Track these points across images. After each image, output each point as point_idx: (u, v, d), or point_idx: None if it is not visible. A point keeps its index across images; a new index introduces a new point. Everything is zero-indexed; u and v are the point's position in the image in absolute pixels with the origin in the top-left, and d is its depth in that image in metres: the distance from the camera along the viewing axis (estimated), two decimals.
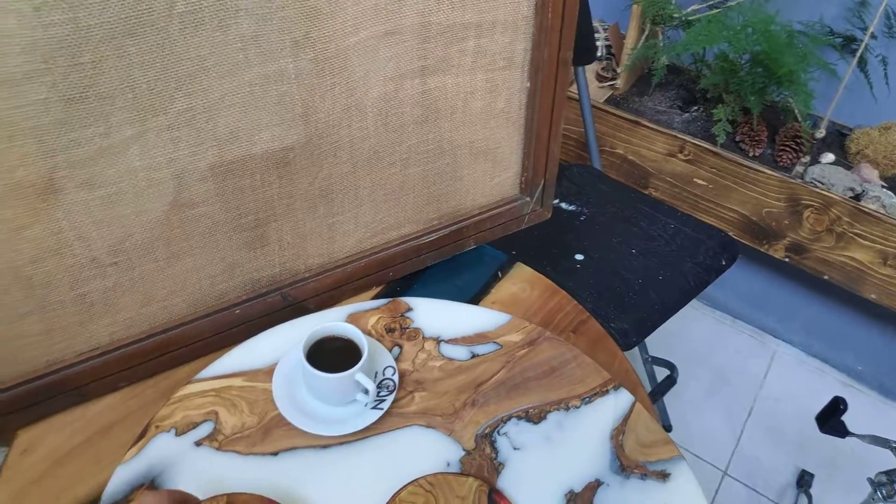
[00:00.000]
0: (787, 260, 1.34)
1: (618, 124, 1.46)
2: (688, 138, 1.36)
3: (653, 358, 1.37)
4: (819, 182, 1.22)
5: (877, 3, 1.19)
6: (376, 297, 0.72)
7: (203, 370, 0.61)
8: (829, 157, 1.27)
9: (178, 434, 0.56)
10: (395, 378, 0.60)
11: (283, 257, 0.67)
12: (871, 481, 0.92)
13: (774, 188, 1.27)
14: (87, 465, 0.56)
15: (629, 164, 1.48)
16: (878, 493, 0.89)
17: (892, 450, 0.88)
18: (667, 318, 0.96)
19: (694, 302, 1.67)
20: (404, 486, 0.52)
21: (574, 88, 1.34)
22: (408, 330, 0.66)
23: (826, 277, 1.29)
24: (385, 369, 0.61)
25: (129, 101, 0.51)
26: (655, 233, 1.09)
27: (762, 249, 1.36)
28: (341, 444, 0.56)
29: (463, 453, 0.56)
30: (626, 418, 0.59)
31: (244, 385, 0.60)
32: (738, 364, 1.55)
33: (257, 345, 0.64)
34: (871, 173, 1.21)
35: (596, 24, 1.63)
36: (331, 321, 0.60)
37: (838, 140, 1.33)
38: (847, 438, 0.89)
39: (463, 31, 0.64)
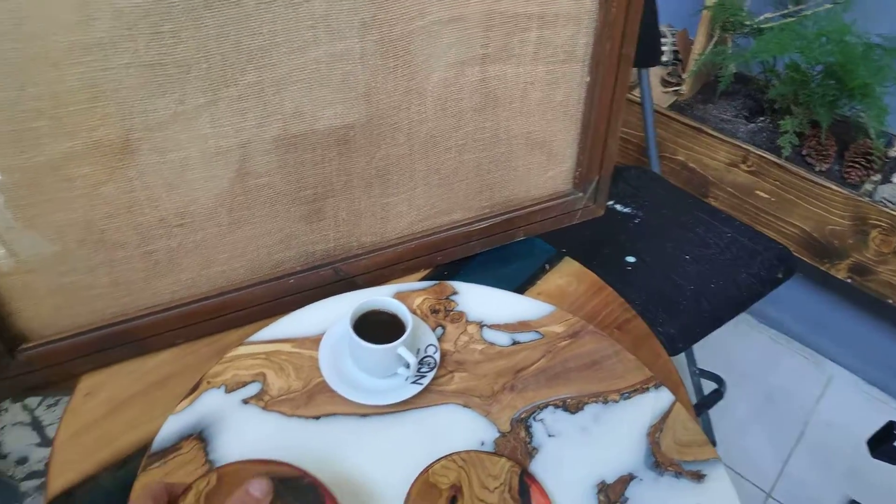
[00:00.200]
0: (849, 281, 1.29)
1: (680, 130, 1.43)
2: (752, 148, 1.33)
3: (700, 371, 1.34)
4: (890, 202, 1.17)
5: None
6: (424, 279, 0.74)
7: (255, 334, 0.64)
8: None
9: (227, 391, 0.59)
10: (437, 356, 0.62)
11: (338, 233, 0.69)
12: None
13: (840, 205, 1.23)
14: (142, 412, 0.60)
15: (689, 172, 1.45)
16: None
17: None
18: (716, 328, 0.94)
19: (748, 319, 1.63)
20: (438, 460, 0.53)
21: (637, 91, 1.32)
22: (452, 312, 0.67)
23: (890, 301, 1.24)
24: (427, 347, 0.62)
25: (204, 71, 0.54)
26: (711, 240, 1.07)
27: (823, 268, 1.31)
28: (380, 414, 0.58)
29: (498, 435, 0.57)
30: (664, 416, 0.58)
31: (292, 351, 0.63)
32: (790, 385, 1.50)
33: (307, 314, 0.66)
34: None
35: (664, 28, 1.60)
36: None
37: None
38: None
39: (526, 22, 0.65)
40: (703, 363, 1.38)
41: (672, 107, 1.47)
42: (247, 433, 0.56)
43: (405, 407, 0.58)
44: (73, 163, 0.54)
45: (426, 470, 0.52)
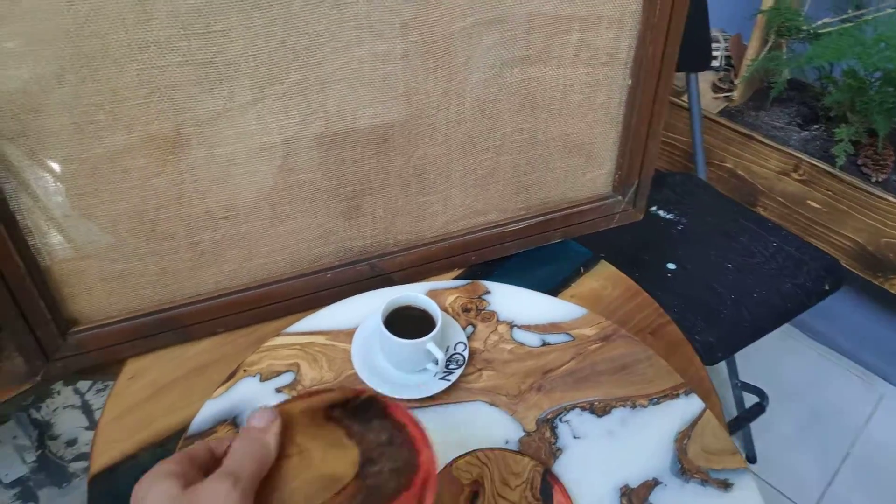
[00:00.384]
0: None
1: (730, 137, 1.41)
2: (804, 157, 1.29)
3: (743, 383, 1.31)
4: None
5: None
6: (457, 278, 0.75)
7: (291, 326, 0.66)
8: None
9: (262, 380, 0.61)
10: (465, 354, 0.62)
11: (375, 230, 0.71)
12: None
13: None
14: (182, 397, 0.62)
15: (738, 180, 1.42)
16: None
17: None
18: (757, 338, 0.92)
19: (796, 333, 1.58)
20: (462, 455, 0.54)
21: (686, 97, 1.30)
22: (483, 311, 0.68)
23: None
24: (456, 345, 0.63)
25: (251, 69, 0.56)
26: (755, 249, 1.05)
27: (876, 282, 1.26)
28: (408, 408, 0.59)
29: (523, 434, 0.57)
30: (693, 423, 0.57)
31: (326, 343, 0.64)
32: (838, 403, 1.45)
33: (342, 308, 0.68)
34: None
35: (717, 33, 1.57)
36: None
37: None
38: None
39: (567, 24, 0.65)
40: (748, 377, 1.34)
41: (722, 113, 1.44)
42: None
43: (432, 402, 0.59)
44: (129, 155, 0.57)
45: (450, 464, 0.53)
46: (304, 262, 0.70)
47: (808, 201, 1.32)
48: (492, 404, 0.59)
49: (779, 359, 1.53)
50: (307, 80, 0.59)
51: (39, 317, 0.60)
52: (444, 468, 0.53)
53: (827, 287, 0.99)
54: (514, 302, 0.69)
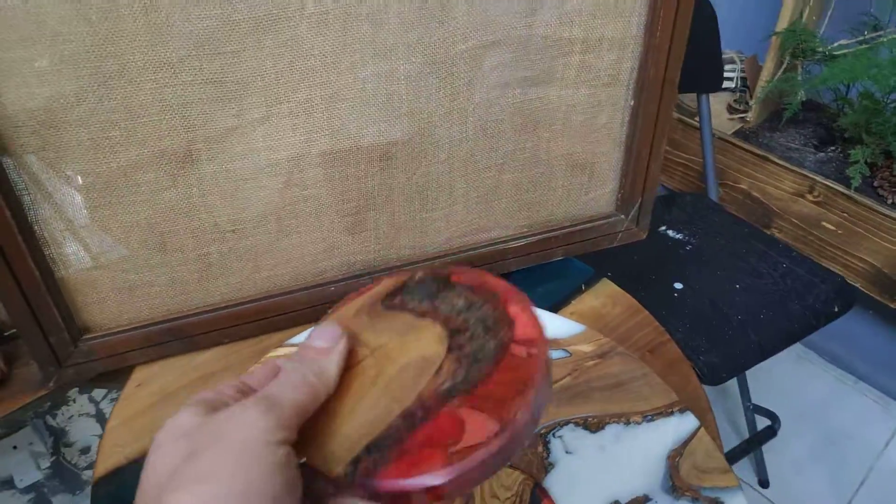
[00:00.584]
0: None
1: (744, 158, 1.41)
2: (818, 178, 1.28)
3: (755, 406, 1.30)
4: None
5: None
6: None
7: (293, 337, 0.68)
8: None
9: None
10: None
11: (378, 245, 0.72)
12: None
13: None
14: None
15: (752, 201, 1.42)
16: None
17: None
18: (762, 360, 0.91)
19: (812, 356, 1.56)
20: None
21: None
22: None
23: None
24: None
25: (260, 88, 0.59)
26: (765, 270, 1.04)
27: (893, 306, 1.25)
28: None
29: None
30: (686, 441, 0.58)
31: None
32: (855, 428, 1.43)
33: None
34: None
35: (733, 54, 1.58)
36: None
37: None
38: None
39: (569, 46, 0.66)
40: (763, 399, 1.33)
41: (737, 134, 1.44)
42: None
43: None
44: (141, 169, 0.59)
45: None
46: (308, 275, 0.71)
47: (824, 223, 1.31)
48: None
49: (794, 381, 1.50)
50: (313, 99, 0.61)
51: (53, 324, 0.63)
52: None
53: (836, 309, 0.98)
54: None
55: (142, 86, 0.56)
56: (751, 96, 1.50)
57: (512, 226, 0.76)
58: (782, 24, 1.32)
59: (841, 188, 1.25)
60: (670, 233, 1.12)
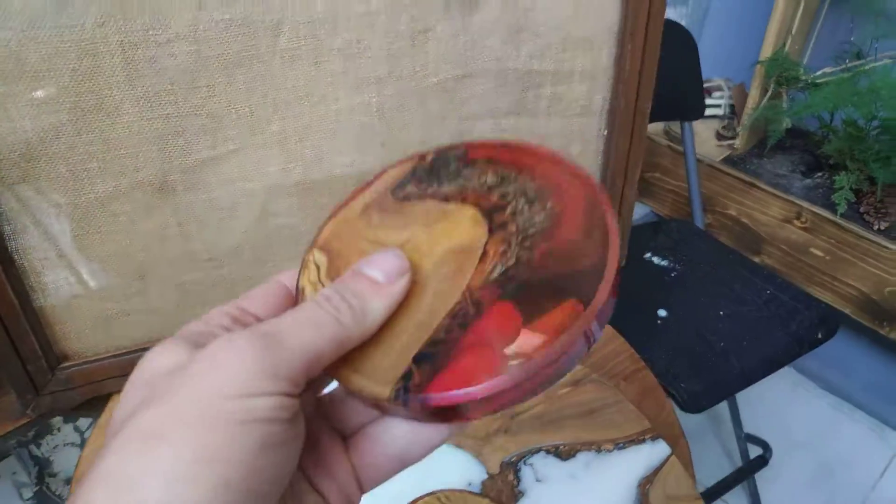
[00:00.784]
0: None
1: (731, 184, 1.42)
2: (805, 204, 1.29)
3: (747, 435, 1.29)
4: None
5: None
6: None
7: None
8: None
9: None
10: None
11: None
12: None
13: None
14: None
15: (741, 227, 1.42)
16: None
17: None
18: (745, 387, 0.91)
19: (807, 383, 1.55)
20: (422, 496, 0.54)
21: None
22: None
23: None
24: None
25: (233, 121, 0.60)
26: (749, 297, 1.04)
27: (883, 332, 1.24)
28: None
29: (486, 476, 0.57)
30: (657, 469, 0.57)
31: None
32: (850, 457, 1.41)
33: None
34: None
35: (721, 82, 1.60)
36: None
37: None
38: None
39: (540, 78, 0.68)
40: (756, 427, 1.32)
41: (725, 160, 1.45)
42: None
43: None
44: (118, 200, 0.61)
45: None
46: None
47: (812, 249, 1.32)
48: (457, 446, 0.60)
49: (788, 409, 1.49)
50: (286, 130, 0.62)
51: (31, 353, 0.63)
52: None
53: (820, 335, 0.98)
54: None
55: (119, 119, 0.57)
56: (738, 123, 1.52)
57: None
58: (766, 52, 1.34)
59: (828, 214, 1.26)
60: (655, 259, 1.13)
